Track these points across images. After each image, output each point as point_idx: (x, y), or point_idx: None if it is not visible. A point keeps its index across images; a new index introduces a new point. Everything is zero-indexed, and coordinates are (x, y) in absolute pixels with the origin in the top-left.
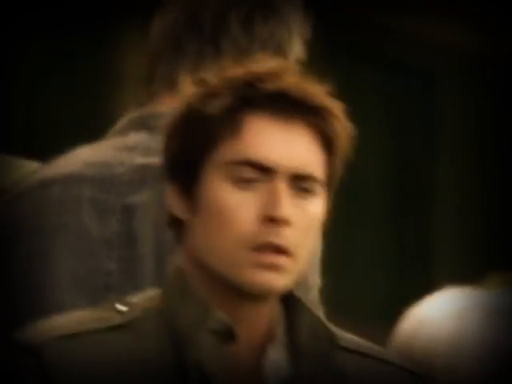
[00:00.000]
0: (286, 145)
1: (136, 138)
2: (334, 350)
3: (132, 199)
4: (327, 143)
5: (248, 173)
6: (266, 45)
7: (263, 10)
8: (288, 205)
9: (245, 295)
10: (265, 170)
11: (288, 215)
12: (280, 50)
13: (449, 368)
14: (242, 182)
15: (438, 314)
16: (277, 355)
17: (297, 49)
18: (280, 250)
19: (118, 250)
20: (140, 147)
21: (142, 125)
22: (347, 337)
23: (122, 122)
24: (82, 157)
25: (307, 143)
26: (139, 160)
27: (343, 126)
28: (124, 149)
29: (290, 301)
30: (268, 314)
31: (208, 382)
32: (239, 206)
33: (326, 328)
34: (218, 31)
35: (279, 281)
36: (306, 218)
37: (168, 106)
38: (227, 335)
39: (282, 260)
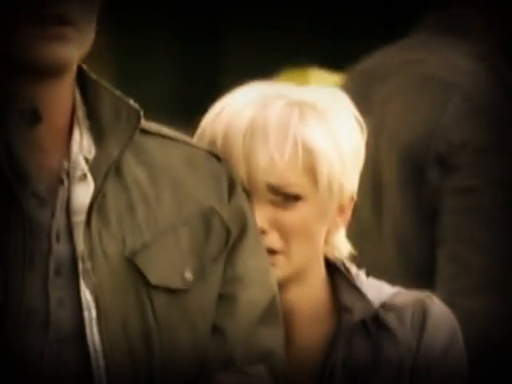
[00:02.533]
0: None
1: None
2: (138, 130)
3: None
4: None
5: None
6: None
7: None
8: None
9: (39, 73)
10: None
11: None
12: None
13: (246, 151)
14: None
15: (241, 100)
16: (80, 137)
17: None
18: (62, 21)
19: None
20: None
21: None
22: (151, 124)
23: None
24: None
25: None
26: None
27: None
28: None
29: (87, 83)
30: (68, 95)
31: (17, 164)
32: None
33: (129, 106)
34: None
35: (65, 52)
36: None
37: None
38: (32, 114)
39: (65, 30)
